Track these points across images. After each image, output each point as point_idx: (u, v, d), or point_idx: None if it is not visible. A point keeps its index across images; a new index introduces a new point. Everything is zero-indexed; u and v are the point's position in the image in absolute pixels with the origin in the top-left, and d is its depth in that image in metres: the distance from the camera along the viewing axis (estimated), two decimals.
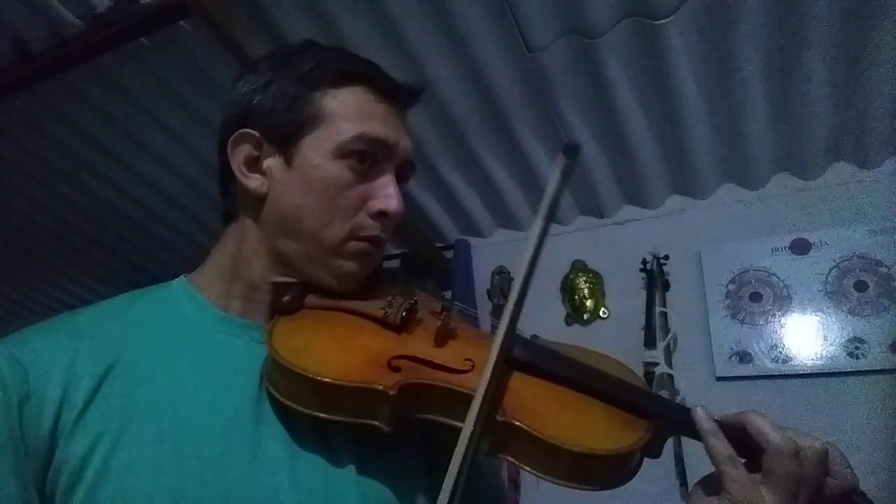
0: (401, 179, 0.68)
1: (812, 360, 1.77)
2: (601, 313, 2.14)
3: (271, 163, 0.64)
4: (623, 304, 2.11)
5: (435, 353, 0.61)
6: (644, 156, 1.94)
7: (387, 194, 0.64)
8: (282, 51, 0.68)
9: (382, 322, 0.64)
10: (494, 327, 0.60)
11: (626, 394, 0.59)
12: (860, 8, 1.43)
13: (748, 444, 0.51)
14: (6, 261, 3.05)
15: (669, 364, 1.93)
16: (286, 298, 0.64)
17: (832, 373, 1.74)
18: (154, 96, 1.94)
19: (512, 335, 0.59)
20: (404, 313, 0.64)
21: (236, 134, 0.64)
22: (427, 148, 2.00)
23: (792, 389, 1.78)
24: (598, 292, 2.16)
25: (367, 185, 0.64)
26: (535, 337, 0.68)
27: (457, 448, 0.48)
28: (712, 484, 0.53)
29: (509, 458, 0.54)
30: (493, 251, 2.37)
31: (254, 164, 0.65)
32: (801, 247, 1.87)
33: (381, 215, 0.64)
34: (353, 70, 0.65)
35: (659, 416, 0.57)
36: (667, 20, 1.49)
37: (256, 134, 0.64)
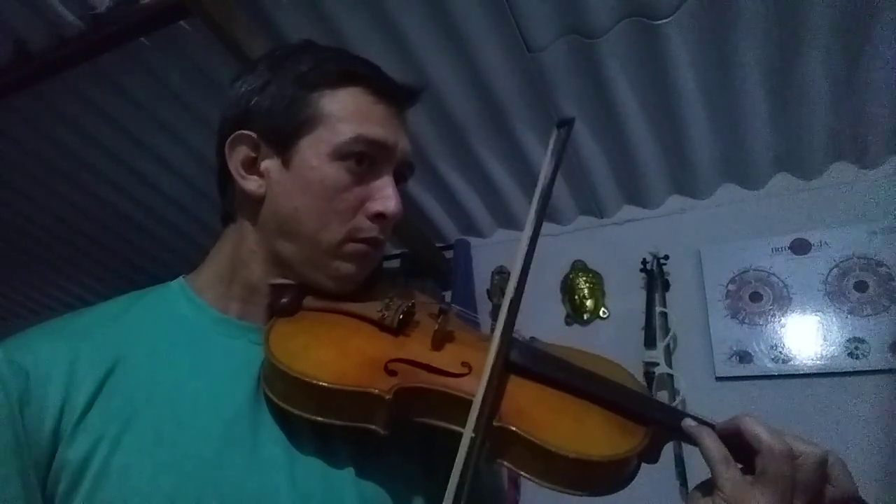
0: (399, 180, 0.67)
1: (812, 360, 1.77)
2: (601, 313, 2.14)
3: (269, 164, 0.64)
4: (623, 304, 2.11)
5: (432, 356, 0.61)
6: (644, 156, 1.94)
7: (385, 196, 0.64)
8: (280, 51, 0.68)
9: (380, 325, 0.63)
10: (492, 329, 0.60)
11: (625, 399, 0.58)
12: (860, 8, 1.43)
13: (744, 447, 0.51)
14: (6, 261, 3.05)
15: (669, 364, 1.93)
16: (284, 300, 0.64)
17: (832, 373, 1.74)
18: (154, 96, 1.94)
19: (509, 339, 0.59)
20: (402, 316, 0.63)
21: (234, 135, 0.64)
22: (427, 148, 2.00)
23: (792, 389, 1.78)
24: (598, 292, 2.16)
25: (365, 187, 0.64)
26: (533, 339, 0.68)
27: (458, 456, 0.48)
28: (708, 486, 0.53)
29: (506, 464, 0.54)
30: (493, 251, 2.37)
31: (251, 166, 0.64)
32: (801, 247, 1.87)
33: (379, 217, 0.64)
34: (352, 71, 0.64)
35: (657, 421, 0.57)
36: (667, 20, 1.49)
37: (254, 135, 0.64)
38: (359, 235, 0.64)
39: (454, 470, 0.47)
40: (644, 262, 2.06)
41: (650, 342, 1.96)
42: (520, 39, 1.59)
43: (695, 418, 0.56)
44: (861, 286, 1.77)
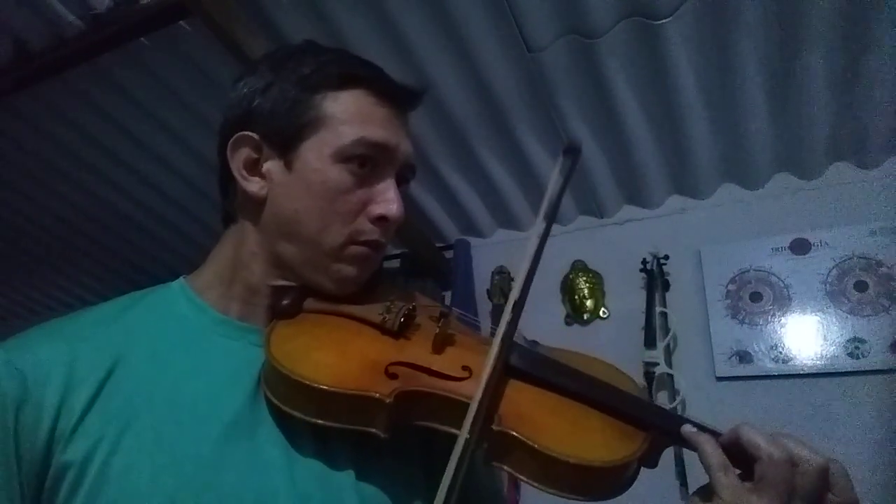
0: (401, 183, 0.67)
1: (812, 360, 1.77)
2: (601, 313, 2.14)
3: (271, 166, 0.64)
4: (623, 304, 2.11)
5: (432, 359, 0.61)
6: (644, 156, 1.94)
7: (387, 199, 0.64)
8: (282, 52, 0.68)
9: (381, 328, 0.63)
10: (494, 333, 0.60)
11: (625, 404, 0.58)
12: (860, 8, 1.43)
13: (744, 456, 0.52)
14: (6, 261, 3.05)
15: (669, 364, 1.93)
16: (285, 302, 0.64)
17: (832, 373, 1.74)
18: (154, 96, 1.93)
19: (509, 343, 0.59)
20: (402, 319, 0.63)
21: (236, 136, 0.64)
22: (427, 148, 2.00)
23: (792, 389, 1.78)
24: (598, 292, 2.16)
25: (367, 190, 0.64)
26: (534, 343, 0.68)
27: (451, 456, 0.48)
28: (707, 492, 0.53)
29: (505, 468, 0.54)
30: (493, 251, 2.37)
31: (253, 167, 0.64)
32: (801, 247, 1.87)
33: (381, 220, 0.64)
34: (354, 73, 0.64)
35: (656, 427, 0.57)
36: (667, 20, 1.49)
37: (256, 137, 0.64)
38: (360, 238, 0.64)
39: (447, 470, 0.47)
40: (644, 262, 2.06)
41: (650, 342, 1.95)
42: (520, 39, 1.59)
43: (696, 424, 0.56)
44: (861, 286, 1.77)
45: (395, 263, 2.41)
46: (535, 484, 0.53)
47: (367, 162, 0.63)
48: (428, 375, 0.58)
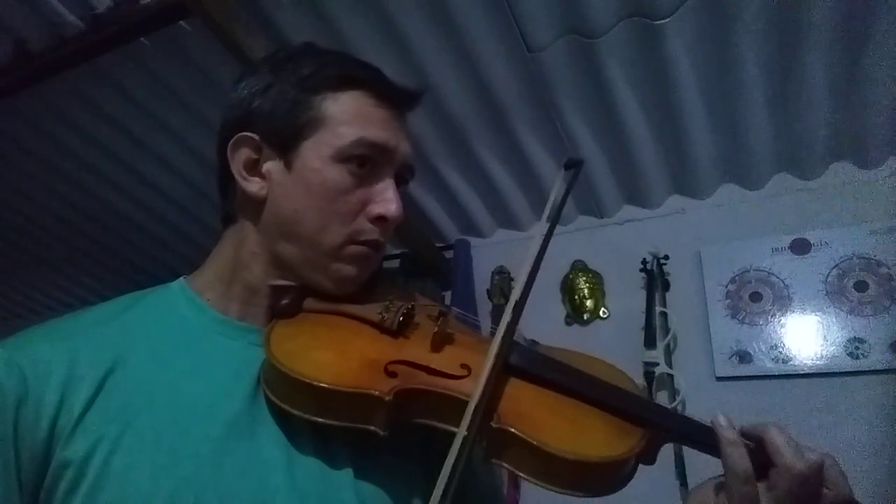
0: (400, 183, 0.68)
1: (812, 360, 1.77)
2: (601, 313, 2.14)
3: (271, 166, 0.64)
4: (623, 304, 2.11)
5: (431, 358, 0.61)
6: (644, 156, 1.94)
7: (386, 199, 0.64)
8: (282, 53, 0.68)
9: (380, 327, 0.64)
10: (493, 332, 0.60)
11: (621, 401, 0.59)
12: (860, 8, 1.43)
13: (759, 454, 0.52)
14: (6, 261, 3.05)
15: (669, 364, 1.93)
16: (284, 302, 0.65)
17: (832, 373, 1.74)
18: (154, 96, 1.94)
19: (509, 343, 0.59)
20: (401, 318, 0.64)
21: (236, 137, 0.64)
22: (427, 148, 2.00)
23: (792, 389, 1.78)
24: (598, 292, 2.16)
25: (366, 190, 0.64)
26: (533, 342, 0.68)
27: (449, 452, 0.49)
28: (719, 489, 0.53)
29: (504, 465, 0.54)
30: (493, 251, 2.37)
31: (253, 168, 0.65)
32: (801, 247, 1.87)
33: (380, 220, 0.64)
34: (354, 74, 0.65)
35: (654, 423, 0.57)
36: (667, 20, 1.49)
37: (256, 137, 0.64)
38: (360, 238, 0.64)
39: (445, 466, 0.48)
40: (644, 262, 2.06)
41: (650, 342, 1.96)
42: (520, 39, 1.59)
43: (692, 420, 0.56)
44: (861, 286, 1.77)
45: (395, 263, 2.41)
46: (534, 480, 0.53)
47: (366, 162, 0.63)
48: (427, 373, 0.59)
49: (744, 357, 1.86)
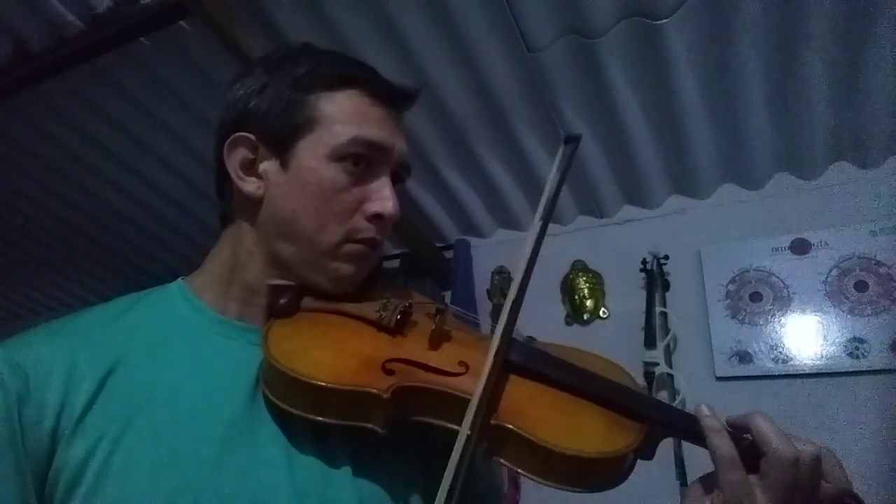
0: (396, 181, 0.68)
1: (812, 360, 1.77)
2: (601, 313, 2.14)
3: (267, 166, 0.64)
4: (623, 304, 2.11)
5: (429, 355, 0.61)
6: (644, 156, 1.94)
7: (382, 197, 0.64)
8: (277, 54, 0.68)
9: (377, 325, 0.64)
10: (492, 330, 0.60)
11: (620, 397, 0.59)
12: (860, 8, 1.43)
13: (746, 444, 0.52)
14: (6, 261, 3.06)
15: (669, 364, 1.93)
16: (282, 301, 0.65)
17: (832, 373, 1.74)
18: (154, 96, 1.94)
19: (509, 339, 0.59)
20: (399, 316, 0.64)
21: (232, 137, 0.64)
22: (427, 148, 2.00)
23: (792, 389, 1.78)
24: (598, 292, 2.16)
25: (362, 188, 0.64)
26: (530, 339, 0.68)
27: (453, 452, 0.49)
28: (707, 483, 0.53)
29: (503, 461, 0.54)
30: (493, 251, 2.37)
31: (250, 168, 0.65)
32: (801, 247, 1.87)
33: (376, 218, 0.64)
34: (349, 73, 0.65)
35: (652, 418, 0.57)
36: (667, 20, 1.49)
37: (252, 137, 0.64)
38: (357, 236, 0.64)
39: (449, 466, 0.48)
40: (644, 262, 2.06)
41: (650, 342, 1.96)
42: (520, 39, 1.59)
43: (689, 415, 0.56)
44: (861, 286, 1.77)
45: (395, 263, 2.41)
46: (534, 477, 0.53)
47: (361, 161, 0.63)
48: (424, 371, 0.59)
49: (744, 357, 1.86)
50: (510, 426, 0.53)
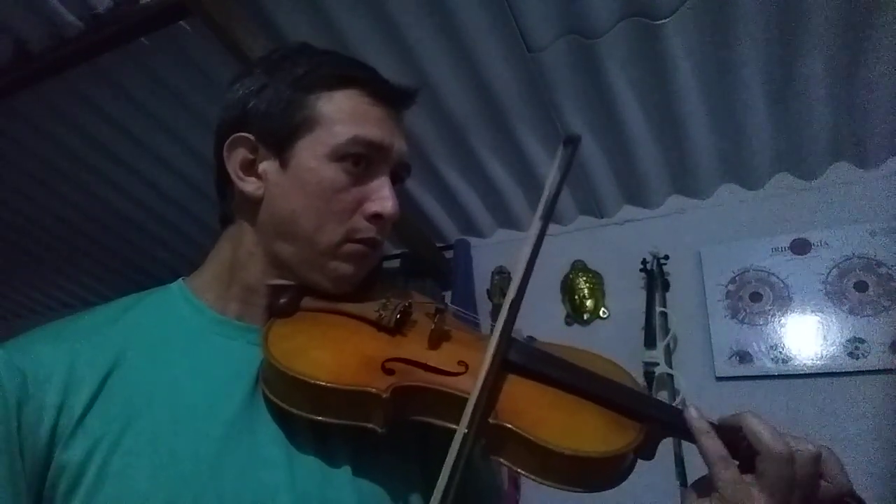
0: (396, 181, 0.68)
1: (812, 360, 1.77)
2: (601, 313, 2.14)
3: (267, 166, 0.64)
4: (623, 304, 2.11)
5: (429, 355, 0.61)
6: (644, 156, 1.94)
7: (382, 196, 0.64)
8: (276, 54, 0.68)
9: (377, 324, 0.64)
10: (492, 329, 0.60)
11: (619, 396, 0.59)
12: (859, 8, 1.43)
13: (743, 445, 0.52)
14: (6, 261, 3.06)
15: (669, 364, 1.93)
16: (282, 301, 0.65)
17: (832, 373, 1.74)
18: (154, 96, 1.94)
19: (508, 339, 0.59)
20: (399, 315, 0.64)
21: (232, 138, 0.64)
22: (427, 148, 2.00)
23: (792, 389, 1.78)
24: (598, 292, 2.16)
25: (362, 188, 0.64)
26: (530, 338, 0.68)
27: (450, 450, 0.49)
28: (704, 485, 0.53)
29: (503, 461, 0.54)
30: (493, 251, 2.37)
31: (249, 168, 0.65)
32: (801, 247, 1.87)
33: (376, 217, 0.64)
34: (348, 73, 0.65)
35: (652, 418, 0.57)
36: (667, 20, 1.49)
37: (252, 137, 0.64)
38: (356, 236, 0.64)
39: (445, 464, 0.48)
40: (644, 262, 2.06)
41: (650, 342, 1.96)
42: (520, 39, 1.59)
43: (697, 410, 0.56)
44: (861, 286, 1.77)
45: (395, 263, 2.41)
46: (533, 476, 0.53)
47: (361, 160, 0.63)
48: (424, 371, 0.59)
49: (744, 357, 1.86)
50: (509, 425, 0.53)
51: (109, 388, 0.55)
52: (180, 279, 0.68)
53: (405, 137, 0.68)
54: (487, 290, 2.30)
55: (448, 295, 2.33)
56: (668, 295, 2.03)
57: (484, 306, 2.28)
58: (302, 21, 1.62)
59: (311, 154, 0.62)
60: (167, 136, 2.11)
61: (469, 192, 2.24)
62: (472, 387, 0.53)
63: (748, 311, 1.89)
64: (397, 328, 0.64)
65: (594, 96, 1.75)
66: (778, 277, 1.88)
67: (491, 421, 0.53)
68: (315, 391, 0.54)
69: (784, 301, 1.85)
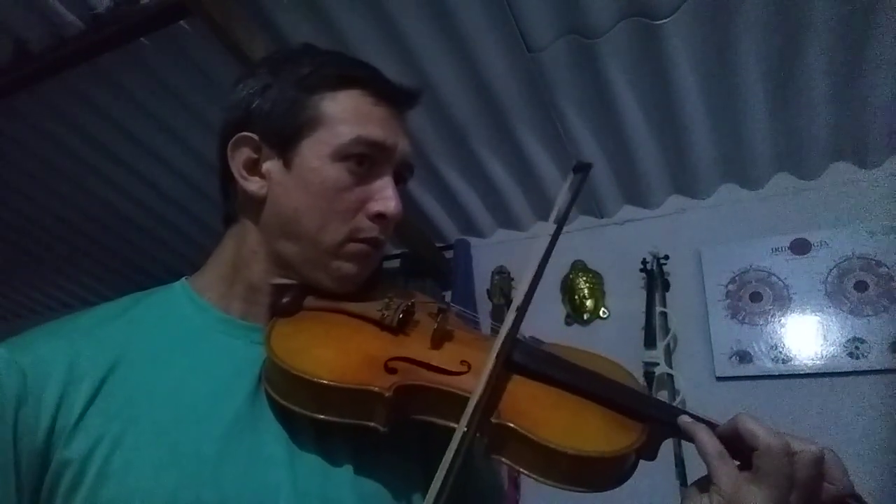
0: (399, 181, 0.68)
1: (812, 360, 1.77)
2: (601, 313, 2.14)
3: (270, 166, 0.64)
4: (623, 304, 2.11)
5: (431, 354, 0.61)
6: (644, 156, 1.94)
7: (385, 196, 0.64)
8: (280, 54, 0.69)
9: (380, 324, 0.64)
10: (495, 331, 0.60)
11: (622, 397, 0.59)
12: (860, 8, 1.43)
13: (742, 446, 0.52)
14: (6, 261, 3.06)
15: (669, 364, 1.93)
16: (285, 300, 0.65)
17: (832, 373, 1.74)
18: (154, 96, 1.94)
19: (512, 339, 0.60)
20: (401, 315, 0.64)
21: (235, 137, 0.64)
22: (427, 148, 2.00)
23: (792, 389, 1.78)
24: (598, 292, 2.16)
25: (365, 188, 0.64)
26: (533, 339, 0.69)
27: (448, 447, 0.49)
28: (704, 483, 0.53)
29: (505, 460, 0.54)
30: (493, 251, 2.37)
31: (253, 168, 0.65)
32: (801, 247, 1.87)
33: (379, 217, 0.64)
34: (352, 73, 0.65)
35: (654, 418, 0.57)
36: (667, 20, 1.49)
37: (255, 137, 0.64)
38: (359, 235, 0.64)
39: (444, 461, 0.48)
40: (644, 262, 2.07)
41: (650, 342, 1.96)
42: (520, 39, 1.59)
43: (692, 416, 0.56)
44: (861, 286, 1.77)
45: (396, 263, 2.41)
46: (535, 476, 0.53)
47: (364, 160, 0.64)
48: (426, 370, 0.59)
49: (744, 357, 1.86)
50: (511, 425, 0.53)
51: (110, 385, 0.55)
52: (184, 278, 0.68)
53: (409, 138, 0.68)
54: (487, 290, 2.30)
55: (448, 295, 2.33)
56: (668, 295, 2.03)
57: (484, 306, 2.28)
58: (302, 21, 1.62)
59: (314, 154, 0.63)
60: (167, 136, 2.11)
61: (469, 192, 2.24)
62: (474, 386, 0.53)
63: (748, 311, 1.89)
64: (400, 328, 0.64)
65: (594, 96, 1.75)
66: (778, 277, 1.88)
67: (494, 420, 0.53)
68: (317, 389, 0.55)
69: (784, 301, 1.85)
